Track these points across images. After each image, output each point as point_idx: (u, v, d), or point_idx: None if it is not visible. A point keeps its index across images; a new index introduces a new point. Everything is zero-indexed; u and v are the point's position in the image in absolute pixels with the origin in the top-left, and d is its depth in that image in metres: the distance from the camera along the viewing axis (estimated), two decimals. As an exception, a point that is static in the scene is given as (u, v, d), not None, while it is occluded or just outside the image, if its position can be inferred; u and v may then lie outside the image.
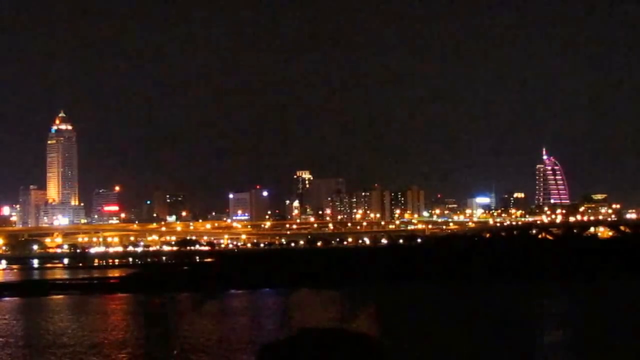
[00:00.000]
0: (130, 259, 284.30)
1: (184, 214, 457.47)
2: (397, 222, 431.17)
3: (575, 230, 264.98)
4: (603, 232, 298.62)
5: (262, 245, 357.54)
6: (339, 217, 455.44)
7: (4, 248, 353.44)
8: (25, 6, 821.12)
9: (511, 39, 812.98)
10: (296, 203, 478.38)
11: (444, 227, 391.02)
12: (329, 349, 3.60)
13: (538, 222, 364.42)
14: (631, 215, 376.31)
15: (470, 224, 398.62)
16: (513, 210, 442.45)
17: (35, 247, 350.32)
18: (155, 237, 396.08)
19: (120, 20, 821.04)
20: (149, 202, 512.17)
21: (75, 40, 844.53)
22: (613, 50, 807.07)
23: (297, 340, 3.98)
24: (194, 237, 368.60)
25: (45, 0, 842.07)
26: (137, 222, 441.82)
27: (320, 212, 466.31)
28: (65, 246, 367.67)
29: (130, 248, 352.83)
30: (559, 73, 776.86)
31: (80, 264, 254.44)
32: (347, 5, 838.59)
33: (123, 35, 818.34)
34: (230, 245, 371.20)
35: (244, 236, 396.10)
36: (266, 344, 5.27)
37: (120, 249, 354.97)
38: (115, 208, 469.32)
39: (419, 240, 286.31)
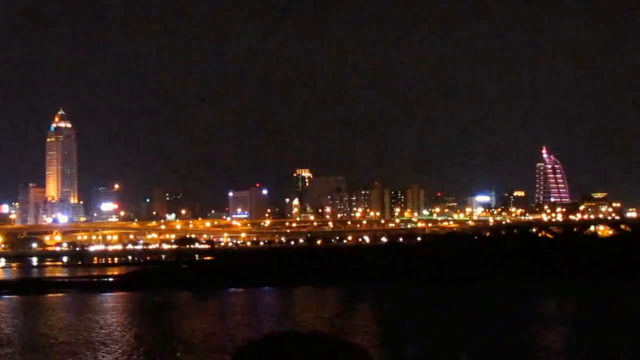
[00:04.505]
0: (130, 257, 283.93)
1: (183, 212, 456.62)
2: (397, 220, 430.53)
3: (575, 229, 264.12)
4: (603, 230, 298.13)
5: (261, 243, 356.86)
6: (339, 215, 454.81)
7: (3, 246, 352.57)
8: (25, 4, 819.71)
9: (512, 38, 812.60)
10: (296, 201, 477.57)
11: (444, 225, 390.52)
12: (299, 354, 3.12)
13: (538, 220, 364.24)
14: (631, 214, 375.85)
15: (470, 222, 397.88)
16: (513, 209, 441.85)
17: (34, 245, 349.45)
18: (154, 235, 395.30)
19: (120, 19, 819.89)
20: (148, 200, 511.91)
21: (75, 38, 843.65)
22: (614, 48, 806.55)
23: (265, 345, 3.46)
24: (193, 236, 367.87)
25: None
26: (136, 220, 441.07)
27: (320, 211, 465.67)
28: (65, 244, 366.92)
29: (130, 246, 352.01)
30: (559, 72, 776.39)
31: (80, 262, 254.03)
32: (347, 5, 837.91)
33: (123, 34, 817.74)
34: (230, 244, 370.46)
35: (243, 234, 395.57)
36: (239, 348, 4.72)
37: (119, 247, 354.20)
38: (114, 206, 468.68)
39: (418, 238, 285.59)
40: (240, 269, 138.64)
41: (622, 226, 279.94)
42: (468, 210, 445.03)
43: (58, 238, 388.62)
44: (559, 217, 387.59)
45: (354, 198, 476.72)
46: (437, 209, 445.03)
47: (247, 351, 2.97)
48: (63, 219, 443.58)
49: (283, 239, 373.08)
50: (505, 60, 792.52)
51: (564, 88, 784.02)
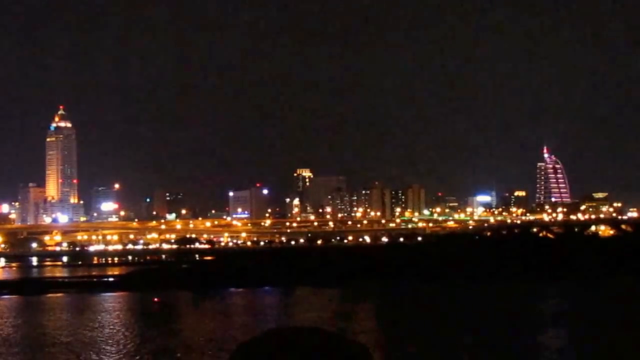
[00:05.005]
0: (130, 257, 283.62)
1: (183, 212, 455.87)
2: (398, 220, 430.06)
3: (576, 229, 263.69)
4: (604, 230, 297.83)
5: (262, 243, 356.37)
6: (340, 215, 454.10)
7: (2, 246, 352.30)
8: (25, 3, 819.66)
9: (512, 37, 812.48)
10: (296, 201, 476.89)
11: (445, 225, 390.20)
12: (301, 349, 2.97)
13: (539, 220, 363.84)
14: (632, 214, 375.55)
15: (471, 222, 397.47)
16: (514, 209, 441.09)
17: (34, 245, 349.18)
18: (154, 235, 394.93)
19: (120, 17, 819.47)
20: (148, 200, 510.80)
21: (75, 37, 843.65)
22: (615, 48, 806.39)
23: (267, 340, 3.29)
24: (193, 235, 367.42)
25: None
26: (136, 220, 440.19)
27: (321, 210, 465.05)
28: (65, 244, 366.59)
29: (130, 246, 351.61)
30: (560, 71, 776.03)
31: (79, 262, 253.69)
32: (348, 5, 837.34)
33: (123, 33, 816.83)
34: (230, 244, 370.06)
35: (244, 234, 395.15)
36: (241, 343, 4.46)
37: (119, 247, 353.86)
38: (114, 206, 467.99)
39: (419, 238, 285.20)
40: (241, 268, 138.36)
41: (623, 226, 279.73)
42: (469, 210, 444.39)
43: (58, 238, 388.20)
44: (560, 217, 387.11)
45: (355, 198, 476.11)
46: (438, 209, 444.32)
47: (249, 346, 3.26)
48: (63, 218, 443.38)
49: (283, 238, 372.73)
50: (506, 60, 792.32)
51: (566, 87, 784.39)
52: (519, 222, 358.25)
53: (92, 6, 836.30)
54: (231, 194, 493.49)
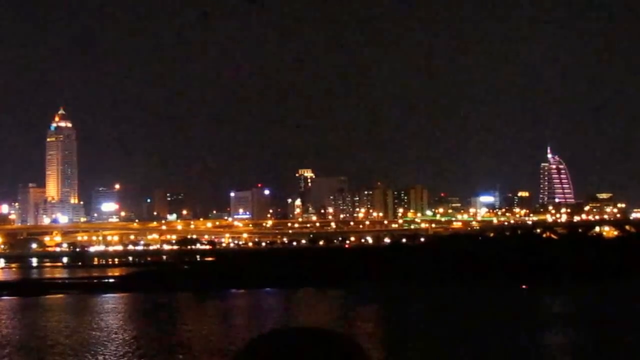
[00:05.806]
0: (130, 258, 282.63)
1: (184, 212, 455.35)
2: (400, 221, 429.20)
3: (580, 230, 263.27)
4: (608, 231, 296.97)
5: (263, 244, 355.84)
6: (342, 216, 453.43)
7: (2, 246, 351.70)
8: (25, 2, 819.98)
9: (515, 37, 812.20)
10: (298, 202, 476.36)
11: (448, 226, 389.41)
12: (302, 350, 2.91)
13: (543, 221, 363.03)
14: (636, 215, 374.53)
15: (474, 223, 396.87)
16: (517, 210, 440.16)
17: (34, 245, 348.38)
18: (155, 235, 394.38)
19: (120, 18, 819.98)
20: (149, 200, 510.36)
21: (75, 37, 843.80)
22: (617, 48, 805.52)
23: (269, 341, 3.09)
24: (194, 236, 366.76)
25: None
26: (137, 220, 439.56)
27: (323, 211, 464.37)
28: (65, 245, 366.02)
29: (130, 247, 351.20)
30: (563, 71, 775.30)
31: (80, 263, 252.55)
32: (348, 4, 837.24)
33: (124, 33, 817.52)
34: (232, 244, 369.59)
35: (245, 235, 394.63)
36: (247, 342, 3.75)
37: (120, 247, 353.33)
38: (115, 206, 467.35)
39: (422, 239, 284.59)
40: (242, 270, 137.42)
41: (627, 227, 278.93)
42: (472, 210, 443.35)
43: (58, 238, 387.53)
44: (564, 218, 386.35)
45: (357, 198, 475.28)
46: (441, 210, 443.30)
47: (254, 345, 3.41)
48: (63, 219, 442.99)
49: (285, 239, 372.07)
50: (509, 60, 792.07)
51: (569, 87, 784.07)
52: (523, 222, 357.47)
53: (93, 5, 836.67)
54: (232, 194, 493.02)
